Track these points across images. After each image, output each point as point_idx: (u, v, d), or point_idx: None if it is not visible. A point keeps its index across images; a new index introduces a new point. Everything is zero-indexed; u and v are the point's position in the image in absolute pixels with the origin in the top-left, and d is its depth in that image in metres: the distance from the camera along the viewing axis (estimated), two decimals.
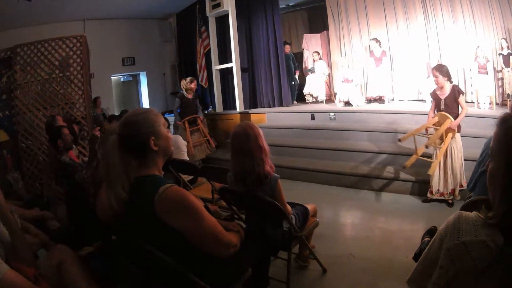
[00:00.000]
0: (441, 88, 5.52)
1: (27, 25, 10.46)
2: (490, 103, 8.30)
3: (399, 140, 5.87)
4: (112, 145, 2.10)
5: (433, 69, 5.61)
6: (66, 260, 2.54)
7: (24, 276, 2.11)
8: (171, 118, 9.05)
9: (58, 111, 7.55)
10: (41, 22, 10.73)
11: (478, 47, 8.56)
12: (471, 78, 8.72)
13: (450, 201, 5.62)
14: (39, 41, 7.76)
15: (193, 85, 9.08)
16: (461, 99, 5.41)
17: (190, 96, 9.08)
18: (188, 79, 9.15)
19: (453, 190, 5.54)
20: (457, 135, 5.46)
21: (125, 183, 2.06)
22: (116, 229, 2.24)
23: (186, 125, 8.88)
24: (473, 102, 8.47)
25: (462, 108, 5.42)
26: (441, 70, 5.43)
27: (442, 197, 5.66)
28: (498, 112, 7.43)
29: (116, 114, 10.64)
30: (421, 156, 5.89)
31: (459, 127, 5.50)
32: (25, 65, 7.63)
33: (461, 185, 5.51)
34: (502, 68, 8.49)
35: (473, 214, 1.37)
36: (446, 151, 5.49)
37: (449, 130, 5.42)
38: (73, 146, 5.29)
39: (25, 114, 7.54)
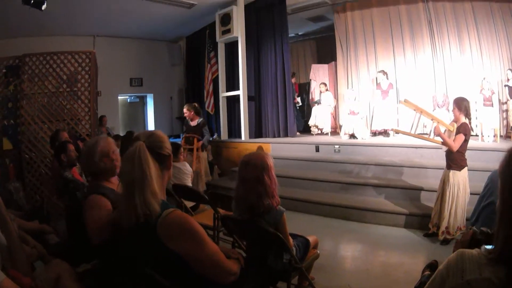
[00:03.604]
0: (458, 122, 5.33)
1: (36, 34, 10.67)
2: (494, 136, 8.31)
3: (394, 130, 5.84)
4: (142, 149, 2.04)
5: (454, 99, 5.49)
6: (64, 275, 2.52)
7: (20, 285, 2.10)
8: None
9: (64, 126, 7.57)
10: (51, 34, 10.94)
11: (484, 79, 8.66)
12: (476, 110, 8.71)
13: (446, 239, 5.35)
14: (48, 53, 7.81)
15: (184, 111, 8.87)
16: (458, 136, 5.16)
17: (192, 123, 8.85)
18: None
19: (447, 228, 5.31)
20: (455, 173, 5.27)
21: (157, 190, 2.03)
22: (116, 249, 2.24)
23: (182, 142, 8.53)
24: (477, 135, 8.48)
25: (453, 140, 5.20)
26: (459, 103, 5.29)
27: (435, 231, 5.54)
28: (502, 144, 7.54)
29: (121, 134, 10.67)
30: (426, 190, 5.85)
31: (458, 164, 5.30)
32: (33, 76, 7.66)
33: (460, 228, 5.31)
34: (507, 100, 8.54)
35: (475, 251, 1.35)
36: (446, 189, 5.32)
37: (437, 133, 5.33)
38: (77, 163, 5.27)
39: (30, 125, 7.55)
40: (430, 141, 5.83)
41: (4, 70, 7.58)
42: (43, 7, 7.51)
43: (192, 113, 8.76)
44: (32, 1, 7.38)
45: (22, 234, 3.10)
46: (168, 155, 2.21)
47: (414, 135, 6.25)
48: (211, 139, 10.14)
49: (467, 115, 5.33)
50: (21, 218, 3.87)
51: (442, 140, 5.32)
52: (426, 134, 6.61)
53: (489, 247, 1.44)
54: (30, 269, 2.66)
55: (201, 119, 8.89)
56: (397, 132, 7.66)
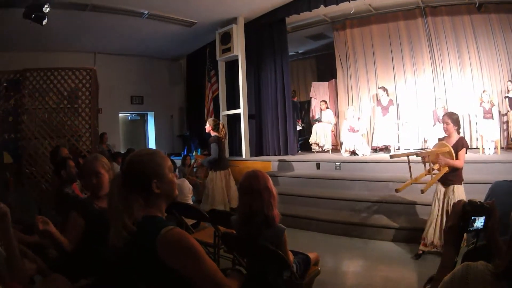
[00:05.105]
0: (449, 136, 5.39)
1: (37, 49, 10.78)
2: (495, 148, 8.33)
3: (396, 190, 5.71)
4: (113, 181, 2.13)
5: (444, 115, 5.52)
6: None
7: None
8: (177, 160, 8.92)
9: (64, 142, 7.57)
10: (52, 49, 11.07)
11: (483, 91, 8.71)
12: (476, 124, 8.81)
13: None
14: (49, 69, 7.87)
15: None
16: (462, 152, 5.20)
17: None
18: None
19: None
20: (458, 187, 5.28)
21: (127, 221, 2.04)
22: (116, 267, 2.23)
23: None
24: (478, 148, 8.52)
25: (458, 159, 5.21)
26: (452, 117, 5.32)
27: (435, 249, 5.42)
28: (503, 156, 7.51)
29: (122, 151, 10.66)
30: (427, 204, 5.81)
31: (459, 178, 5.33)
32: (34, 91, 7.70)
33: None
34: (508, 111, 8.61)
35: (481, 266, 1.34)
36: (445, 203, 5.33)
37: (445, 163, 5.27)
38: (77, 180, 5.24)
39: (31, 140, 7.57)
40: (442, 174, 5.71)
41: (4, 84, 7.60)
42: (44, 22, 7.57)
43: (210, 127, 7.76)
44: (33, 16, 7.43)
45: (21, 247, 3.07)
46: (149, 181, 2.11)
47: (433, 182, 6.11)
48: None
49: (459, 128, 5.41)
50: (21, 231, 3.85)
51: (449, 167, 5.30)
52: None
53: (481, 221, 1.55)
54: (29, 282, 2.63)
55: (213, 135, 7.71)
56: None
